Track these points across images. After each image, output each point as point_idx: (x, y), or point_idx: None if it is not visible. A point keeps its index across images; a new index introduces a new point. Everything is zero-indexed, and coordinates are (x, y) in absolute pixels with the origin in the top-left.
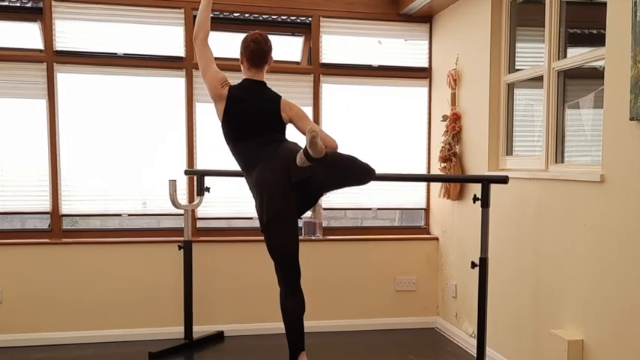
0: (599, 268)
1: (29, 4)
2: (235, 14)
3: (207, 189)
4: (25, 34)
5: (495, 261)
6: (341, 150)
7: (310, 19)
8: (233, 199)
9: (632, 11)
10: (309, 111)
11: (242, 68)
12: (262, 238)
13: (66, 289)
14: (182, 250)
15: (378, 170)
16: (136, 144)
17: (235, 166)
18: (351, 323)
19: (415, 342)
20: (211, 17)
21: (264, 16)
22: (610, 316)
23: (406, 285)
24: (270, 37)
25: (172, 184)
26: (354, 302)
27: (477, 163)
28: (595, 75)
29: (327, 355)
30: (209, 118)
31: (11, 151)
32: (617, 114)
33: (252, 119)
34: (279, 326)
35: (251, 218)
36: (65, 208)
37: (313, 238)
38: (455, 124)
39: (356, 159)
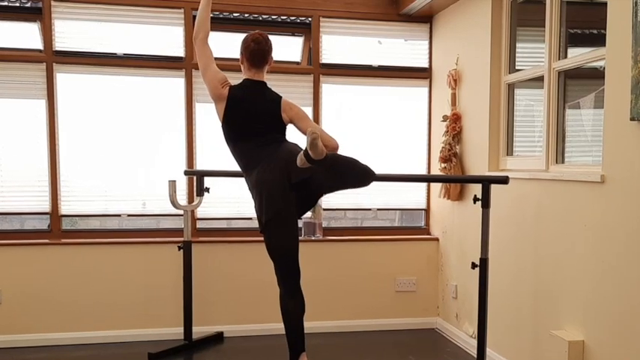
0: (599, 268)
1: (28, 4)
2: (235, 14)
3: (207, 189)
4: (25, 34)
5: (496, 261)
6: (341, 151)
7: (310, 19)
8: (233, 200)
9: (632, 11)
10: (309, 111)
11: (242, 68)
12: (262, 238)
13: (65, 290)
14: (182, 250)
15: (378, 170)
16: (136, 144)
17: (235, 167)
18: (351, 324)
19: (415, 343)
20: (211, 17)
21: (264, 16)
22: (611, 316)
23: (406, 285)
24: (270, 37)
25: (172, 184)
26: (354, 303)
27: (477, 164)
28: (595, 75)
29: (327, 356)
30: (209, 119)
31: (10, 152)
32: (617, 114)
33: (253, 119)
34: (279, 327)
35: (251, 219)
36: (64, 208)
37: (313, 238)
38: (455, 124)
39: (356, 161)
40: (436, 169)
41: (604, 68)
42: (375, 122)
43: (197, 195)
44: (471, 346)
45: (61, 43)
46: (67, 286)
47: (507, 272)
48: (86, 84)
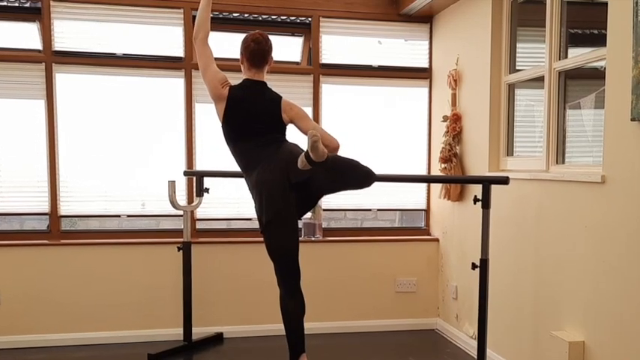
0: (600, 269)
1: (27, 4)
2: (235, 14)
3: (207, 190)
4: (24, 34)
5: (496, 262)
6: (341, 151)
7: (310, 19)
8: (232, 200)
9: (633, 11)
10: (309, 111)
11: (242, 68)
12: (262, 239)
13: (64, 291)
14: (181, 251)
15: (378, 171)
16: (135, 145)
17: (235, 167)
18: (351, 325)
19: (415, 343)
20: (211, 17)
21: (264, 16)
22: (611, 317)
23: (406, 286)
24: (270, 37)
25: (171, 184)
26: (354, 304)
27: (477, 164)
28: (596, 75)
29: (327, 357)
30: (208, 119)
31: (9, 152)
32: (618, 114)
33: (253, 119)
34: (278, 328)
35: (250, 219)
36: (64, 209)
37: (313, 239)
38: (455, 124)
39: (357, 162)
40: (436, 170)
41: (604, 68)
42: (375, 122)
43: (197, 195)
44: (471, 347)
45: (60, 43)
46: (67, 287)
47: (508, 273)
48: (85, 84)
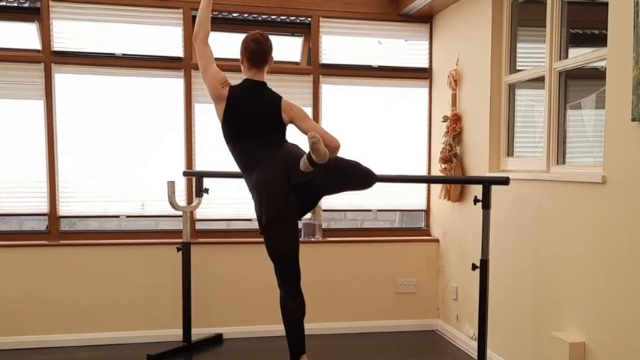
0: (600, 269)
1: (26, 4)
2: (235, 14)
3: (206, 190)
4: (23, 35)
5: (496, 263)
6: (341, 152)
7: (310, 19)
8: (232, 201)
9: (633, 11)
10: (308, 112)
11: (242, 68)
12: (262, 239)
13: (63, 292)
14: (181, 251)
15: (378, 171)
16: (135, 145)
17: (234, 167)
18: (351, 325)
19: (415, 344)
20: (211, 17)
21: (264, 16)
22: (612, 318)
23: (406, 287)
24: (270, 37)
25: (171, 185)
26: (354, 304)
27: (477, 165)
28: (596, 75)
29: (327, 358)
30: (208, 119)
31: (8, 152)
32: (618, 115)
33: (253, 120)
34: (278, 329)
35: (250, 220)
36: (63, 209)
37: (313, 239)
38: (455, 124)
39: (358, 164)
40: (436, 170)
41: (605, 69)
42: (375, 123)
43: (196, 196)
44: (471, 348)
45: (59, 44)
46: (66, 288)
47: (508, 273)
48: (84, 84)
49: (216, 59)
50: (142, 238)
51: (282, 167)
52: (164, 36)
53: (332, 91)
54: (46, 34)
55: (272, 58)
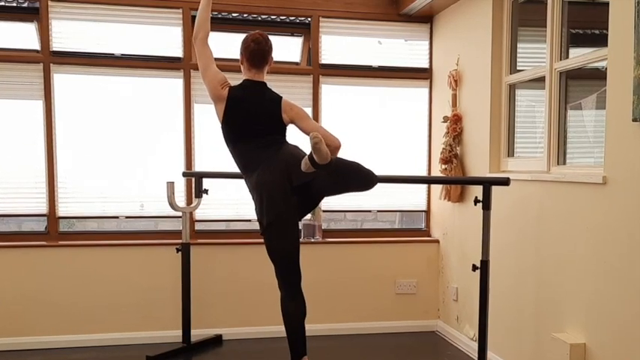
0: (601, 270)
1: (25, 4)
2: (234, 14)
3: (206, 191)
4: (22, 35)
5: (497, 264)
6: (342, 152)
7: (309, 19)
8: (232, 201)
9: (634, 11)
10: (308, 112)
11: (242, 69)
12: (262, 240)
13: (63, 292)
14: (180, 252)
15: (378, 172)
16: (134, 145)
17: (234, 168)
18: (350, 326)
19: (416, 345)
20: (210, 17)
21: (263, 16)
22: (613, 319)
23: (406, 288)
24: (270, 37)
25: (170, 186)
26: (354, 305)
27: (478, 165)
28: (597, 76)
29: (327, 359)
30: (207, 119)
31: (7, 153)
32: (619, 115)
33: (253, 120)
34: (278, 330)
35: (250, 220)
36: (62, 210)
37: (313, 240)
38: (456, 125)
39: (360, 165)
40: (437, 171)
41: (606, 69)
42: (375, 123)
43: (195, 196)
44: (471, 349)
45: (58, 44)
46: (65, 289)
47: (508, 274)
48: (84, 85)
49: (216, 59)
50: (142, 239)
51: (282, 168)
52: (163, 36)
53: (332, 91)
54: (45, 34)
55: (272, 58)
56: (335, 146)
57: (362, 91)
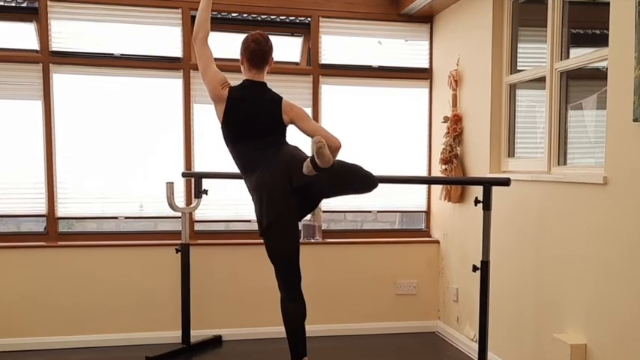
0: (602, 271)
1: (25, 4)
2: (234, 14)
3: (205, 191)
4: (21, 35)
5: (497, 264)
6: (342, 152)
7: (309, 19)
8: (231, 202)
9: (635, 11)
10: (308, 112)
11: (242, 69)
12: (261, 241)
13: (62, 293)
14: (179, 253)
15: (378, 172)
16: (133, 146)
17: (233, 168)
18: (350, 327)
19: (416, 346)
20: (210, 17)
21: (263, 16)
22: (614, 320)
23: (407, 288)
24: (269, 37)
25: (169, 186)
26: (353, 306)
27: (478, 165)
28: (598, 76)
29: None
30: (207, 120)
31: (6, 153)
32: (620, 115)
33: (253, 120)
34: (278, 330)
35: (249, 221)
36: (61, 210)
37: (312, 241)
38: (456, 125)
39: (361, 168)
40: (437, 171)
41: (606, 69)
42: (375, 123)
43: (195, 197)
44: (472, 350)
45: (57, 44)
46: (64, 290)
47: (509, 275)
48: (83, 85)
49: (216, 59)
50: (141, 240)
51: (282, 169)
52: (163, 36)
53: (332, 91)
54: (44, 34)
55: (272, 58)
56: (335, 147)
57: (362, 91)
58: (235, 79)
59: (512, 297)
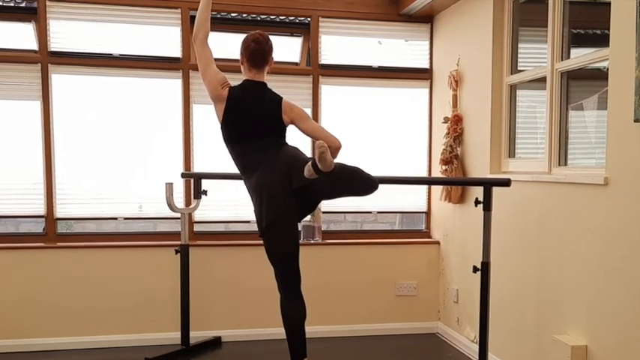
0: (603, 272)
1: (23, 4)
2: (234, 14)
3: (205, 192)
4: (19, 35)
5: (497, 265)
6: (342, 153)
7: (309, 19)
8: (231, 203)
9: (636, 11)
10: (308, 113)
11: (242, 69)
12: (261, 242)
13: (61, 294)
14: (179, 254)
15: (378, 173)
16: (132, 146)
17: (233, 169)
18: (350, 328)
19: (416, 347)
20: (210, 17)
21: (263, 16)
22: (614, 321)
23: (407, 290)
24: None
25: (169, 187)
26: (353, 307)
27: (478, 166)
28: (599, 76)
29: None
30: (206, 120)
31: (5, 154)
32: (621, 115)
33: (253, 120)
34: (278, 332)
35: (249, 222)
36: (60, 211)
37: (312, 242)
38: (456, 125)
39: (361, 171)
40: (437, 172)
41: (607, 69)
42: (375, 124)
43: (194, 198)
44: (472, 351)
45: (56, 44)
46: (63, 291)
47: (509, 276)
48: (82, 85)
49: (216, 59)
50: (140, 241)
51: (282, 169)
52: (162, 36)
53: (331, 91)
54: (42, 35)
55: (272, 58)
56: (335, 147)
57: (362, 91)
58: (235, 79)
59: (512, 298)
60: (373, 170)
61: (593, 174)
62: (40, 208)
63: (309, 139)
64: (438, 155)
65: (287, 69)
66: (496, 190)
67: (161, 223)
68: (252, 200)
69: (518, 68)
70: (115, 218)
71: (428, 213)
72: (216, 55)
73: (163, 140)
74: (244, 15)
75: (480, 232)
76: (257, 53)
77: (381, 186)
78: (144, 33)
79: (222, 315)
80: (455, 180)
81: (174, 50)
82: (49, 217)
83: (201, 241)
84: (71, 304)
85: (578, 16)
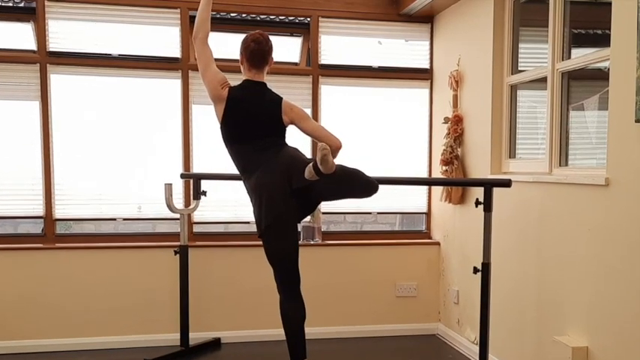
0: (603, 272)
1: (22, 4)
2: (233, 14)
3: (204, 193)
4: (18, 35)
5: (498, 266)
6: (342, 153)
7: (309, 19)
8: (230, 203)
9: (637, 11)
10: (308, 113)
11: (242, 69)
12: (260, 242)
13: (60, 295)
14: (178, 255)
15: (379, 173)
16: (131, 147)
17: (232, 170)
18: (350, 330)
19: (416, 349)
20: (210, 17)
21: (263, 16)
22: (615, 322)
23: (407, 291)
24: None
25: (168, 187)
26: (353, 308)
27: (479, 166)
28: (600, 76)
29: None
30: (206, 120)
31: (3, 154)
32: (622, 116)
33: (252, 120)
34: (277, 333)
35: (248, 222)
36: (59, 212)
37: (312, 242)
38: (457, 126)
39: (362, 174)
40: (437, 172)
41: (608, 69)
42: (375, 124)
43: (194, 198)
44: (472, 353)
45: (55, 44)
46: (62, 292)
47: (510, 277)
48: (81, 85)
49: (216, 59)
50: (139, 241)
51: (282, 170)
52: (161, 36)
53: (331, 91)
54: (41, 35)
55: (272, 58)
56: (336, 147)
57: (362, 91)
58: (235, 79)
59: (513, 299)
60: (373, 171)
61: (594, 174)
62: (39, 209)
63: (308, 139)
64: (439, 156)
65: (287, 69)
66: (496, 191)
67: (160, 224)
68: (252, 201)
69: (519, 68)
70: (114, 219)
71: (428, 214)
72: (216, 55)
73: (162, 141)
74: (244, 15)
75: (481, 232)
76: (257, 53)
77: (381, 187)
78: (143, 33)
79: (221, 316)
80: (455, 181)
81: (174, 50)
82: (48, 218)
83: (200, 241)
84: (70, 306)
85: (579, 16)
